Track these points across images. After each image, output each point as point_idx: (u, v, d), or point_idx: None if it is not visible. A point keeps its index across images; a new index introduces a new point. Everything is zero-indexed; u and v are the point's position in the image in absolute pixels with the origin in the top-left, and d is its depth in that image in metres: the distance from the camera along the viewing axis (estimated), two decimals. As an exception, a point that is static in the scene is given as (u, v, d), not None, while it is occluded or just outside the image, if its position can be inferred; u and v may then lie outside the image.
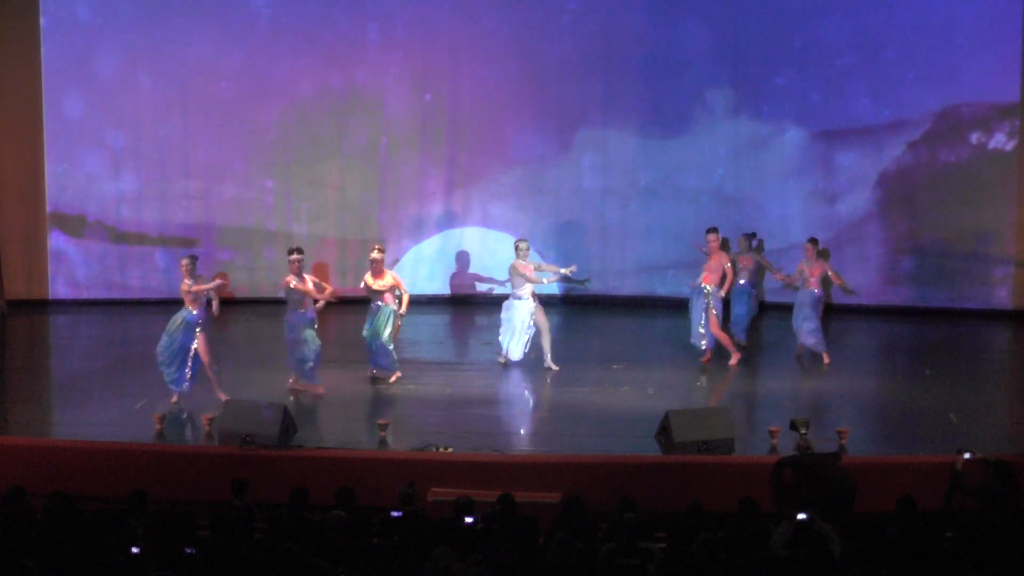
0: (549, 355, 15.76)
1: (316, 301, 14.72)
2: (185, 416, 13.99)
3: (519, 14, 19.56)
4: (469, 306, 19.80)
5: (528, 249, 15.86)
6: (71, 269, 20.05)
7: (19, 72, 19.73)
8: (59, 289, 20.07)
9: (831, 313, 17.84)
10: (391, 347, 15.16)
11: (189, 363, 14.28)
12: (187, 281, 14.31)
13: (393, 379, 15.15)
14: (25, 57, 19.67)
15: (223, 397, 13.95)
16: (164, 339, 14.30)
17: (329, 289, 14.97)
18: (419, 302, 19.55)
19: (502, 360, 15.91)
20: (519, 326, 15.70)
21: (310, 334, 14.67)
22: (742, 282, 16.64)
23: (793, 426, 12.09)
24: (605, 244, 19.74)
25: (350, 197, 20.01)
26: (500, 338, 15.97)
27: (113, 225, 19.98)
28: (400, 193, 19.95)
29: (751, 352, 16.61)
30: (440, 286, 19.99)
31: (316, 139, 19.89)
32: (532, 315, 15.68)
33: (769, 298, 18.64)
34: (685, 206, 19.36)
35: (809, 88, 19.12)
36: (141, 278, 20.02)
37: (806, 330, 16.06)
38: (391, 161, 19.94)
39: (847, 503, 10.86)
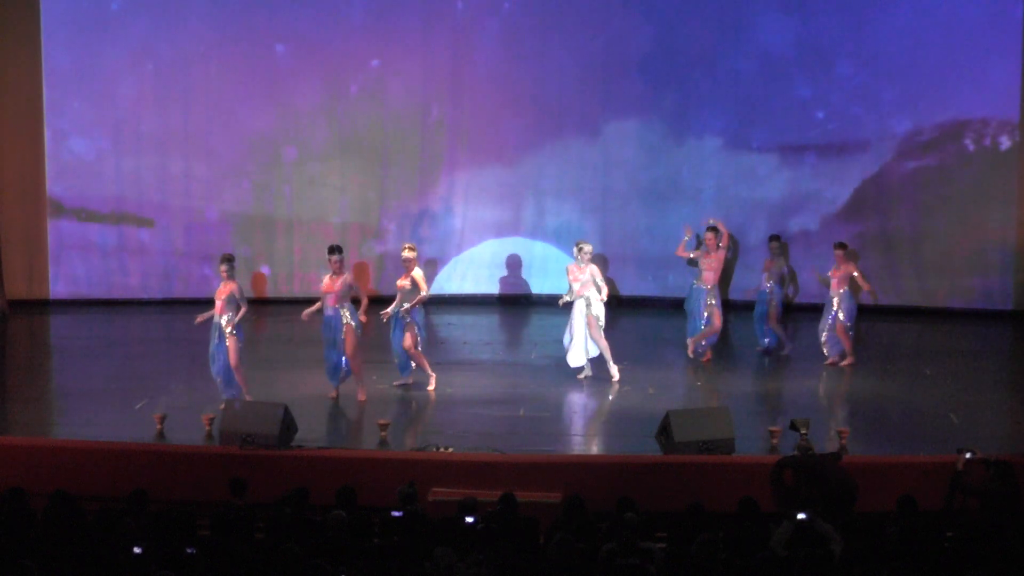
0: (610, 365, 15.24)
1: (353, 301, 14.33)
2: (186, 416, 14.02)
3: (520, 13, 19.56)
4: (470, 306, 19.78)
5: (588, 252, 15.14)
6: (71, 269, 20.04)
7: (19, 72, 19.73)
8: (59, 289, 20.07)
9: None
10: (405, 354, 14.92)
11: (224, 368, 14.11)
12: (231, 285, 14.01)
13: (398, 383, 15.09)
14: (25, 58, 19.66)
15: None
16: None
17: (364, 301, 14.46)
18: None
19: (580, 374, 15.33)
20: (575, 328, 15.17)
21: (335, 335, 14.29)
22: (768, 285, 16.47)
23: (793, 426, 12.09)
24: (605, 244, 19.73)
25: (350, 197, 20.00)
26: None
27: (114, 225, 19.97)
28: (400, 193, 19.95)
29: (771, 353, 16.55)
30: (440, 286, 19.98)
31: (316, 139, 19.88)
32: (583, 315, 15.05)
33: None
34: (686, 206, 19.35)
35: (810, 89, 19.11)
36: (142, 278, 20.01)
37: (820, 329, 16.05)
38: (391, 161, 19.93)
39: (848, 503, 10.87)
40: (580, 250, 15.19)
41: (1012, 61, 18.55)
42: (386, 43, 19.69)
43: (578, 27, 19.47)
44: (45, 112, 19.77)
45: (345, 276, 14.22)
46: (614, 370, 15.08)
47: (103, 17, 19.60)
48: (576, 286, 15.12)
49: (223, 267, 14.02)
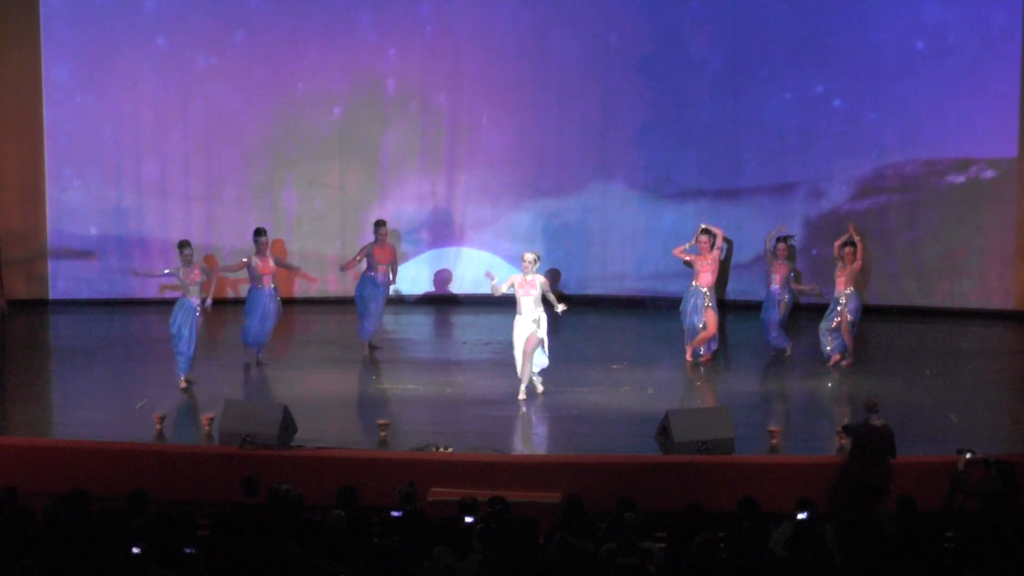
0: (524, 384, 14.41)
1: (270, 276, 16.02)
2: (185, 416, 14.03)
3: (520, 14, 19.55)
4: (469, 306, 19.76)
5: (533, 262, 14.25)
6: (71, 269, 20.02)
7: (19, 72, 19.70)
8: (59, 289, 20.05)
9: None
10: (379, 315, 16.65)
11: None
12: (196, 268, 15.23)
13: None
14: (25, 56, 19.64)
15: (184, 381, 14.96)
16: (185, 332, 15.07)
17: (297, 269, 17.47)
18: (417, 301, 19.63)
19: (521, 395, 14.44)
20: (516, 345, 14.40)
21: (270, 308, 15.91)
22: (775, 287, 16.34)
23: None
24: (605, 244, 19.73)
25: (350, 197, 19.99)
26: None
27: (113, 224, 19.95)
28: (400, 193, 19.94)
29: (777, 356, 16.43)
30: (439, 285, 19.99)
31: (316, 139, 19.88)
32: (531, 328, 14.21)
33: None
34: (685, 206, 19.34)
35: (808, 89, 19.10)
36: (141, 278, 19.96)
37: (822, 328, 16.03)
38: (391, 161, 19.93)
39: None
40: (525, 262, 14.25)
41: (1013, 60, 18.52)
42: (386, 43, 19.67)
43: (579, 27, 19.45)
44: (44, 112, 19.74)
45: (272, 255, 16.15)
46: (538, 383, 14.49)
47: (103, 16, 19.57)
48: (519, 293, 14.21)
49: (189, 253, 15.16)
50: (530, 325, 14.21)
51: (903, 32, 18.77)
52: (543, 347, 14.42)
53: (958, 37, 18.60)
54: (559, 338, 17.39)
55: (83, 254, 20.02)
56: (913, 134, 18.89)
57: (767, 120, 19.22)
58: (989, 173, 18.82)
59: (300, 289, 19.88)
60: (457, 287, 20.02)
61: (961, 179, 18.89)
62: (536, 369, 14.48)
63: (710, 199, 19.36)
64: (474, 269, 19.97)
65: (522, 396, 14.36)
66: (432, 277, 19.98)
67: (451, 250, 20.04)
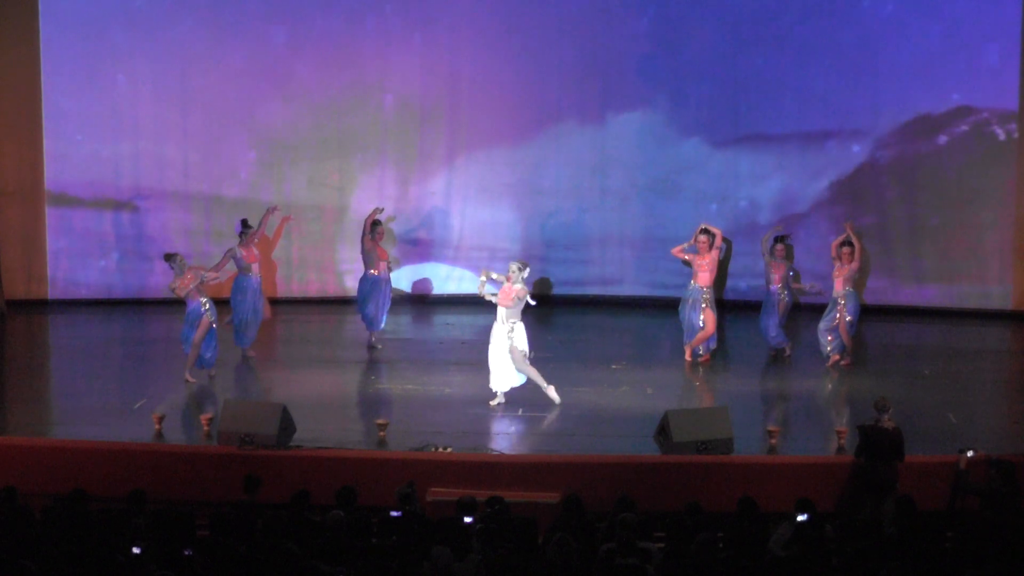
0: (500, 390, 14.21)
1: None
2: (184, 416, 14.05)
3: (519, 13, 19.55)
4: (469, 306, 19.76)
5: (517, 271, 13.97)
6: (70, 269, 20.02)
7: (18, 72, 19.70)
8: (58, 289, 20.05)
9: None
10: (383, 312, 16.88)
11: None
12: (209, 273, 15.49)
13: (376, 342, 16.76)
14: (24, 56, 19.63)
15: (189, 379, 15.08)
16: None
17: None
18: (416, 301, 19.63)
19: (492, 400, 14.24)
20: (492, 353, 14.23)
21: (254, 298, 16.17)
22: (774, 287, 16.34)
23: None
24: (604, 244, 19.72)
25: (350, 197, 19.99)
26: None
27: (113, 225, 19.95)
28: (399, 193, 19.93)
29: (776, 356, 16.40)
30: (439, 286, 19.99)
31: (316, 138, 19.87)
32: (506, 341, 14.04)
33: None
34: (685, 206, 19.33)
35: (808, 87, 19.10)
36: (141, 278, 19.99)
37: (821, 328, 16.00)
38: (390, 160, 19.93)
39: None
40: (512, 271, 13.96)
41: (1012, 59, 18.52)
42: (386, 43, 19.68)
43: (578, 25, 19.46)
44: (44, 111, 19.74)
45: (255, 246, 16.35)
46: (552, 393, 14.09)
47: (102, 13, 19.57)
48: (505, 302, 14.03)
49: (180, 263, 15.37)
50: (504, 334, 14.07)
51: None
52: (520, 360, 14.06)
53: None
54: (558, 338, 17.42)
55: (83, 254, 20.02)
56: (911, 133, 18.91)
57: (767, 120, 19.23)
58: (987, 172, 18.83)
59: (299, 288, 19.90)
60: (456, 287, 20.01)
61: (961, 178, 18.90)
62: (508, 388, 14.20)
63: (710, 199, 19.36)
64: (472, 269, 19.99)
65: (496, 402, 14.18)
66: (431, 277, 19.97)
67: (450, 250, 20.04)
